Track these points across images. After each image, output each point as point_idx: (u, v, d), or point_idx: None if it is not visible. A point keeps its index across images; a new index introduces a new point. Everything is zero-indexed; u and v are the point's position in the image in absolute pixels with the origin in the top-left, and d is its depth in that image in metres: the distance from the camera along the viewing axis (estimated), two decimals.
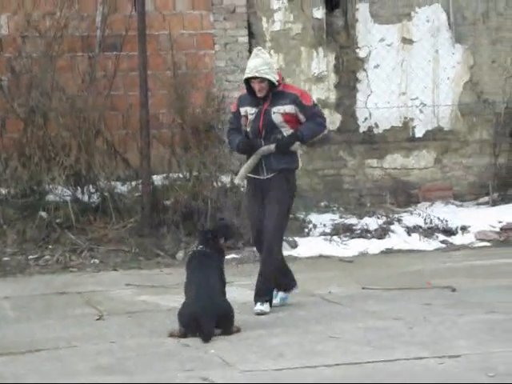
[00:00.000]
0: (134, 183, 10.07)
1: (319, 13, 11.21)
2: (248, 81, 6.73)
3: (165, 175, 10.11)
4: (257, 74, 6.64)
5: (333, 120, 11.27)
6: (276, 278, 6.82)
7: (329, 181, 11.33)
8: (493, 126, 11.49)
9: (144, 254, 9.33)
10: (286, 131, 6.75)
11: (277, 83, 6.70)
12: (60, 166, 9.75)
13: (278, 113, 6.70)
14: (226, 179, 10.18)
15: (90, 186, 9.94)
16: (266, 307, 6.68)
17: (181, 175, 10.11)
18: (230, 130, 7.03)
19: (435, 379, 4.91)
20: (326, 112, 11.27)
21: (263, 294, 6.72)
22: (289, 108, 6.71)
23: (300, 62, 11.22)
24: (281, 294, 6.94)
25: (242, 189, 10.23)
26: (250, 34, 11.06)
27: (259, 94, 6.71)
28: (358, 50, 11.33)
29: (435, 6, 11.43)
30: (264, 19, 11.13)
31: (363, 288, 7.57)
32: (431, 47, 11.47)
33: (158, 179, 10.04)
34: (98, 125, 10.07)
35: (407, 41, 11.42)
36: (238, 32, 10.97)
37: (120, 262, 9.13)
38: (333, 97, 11.30)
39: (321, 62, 11.21)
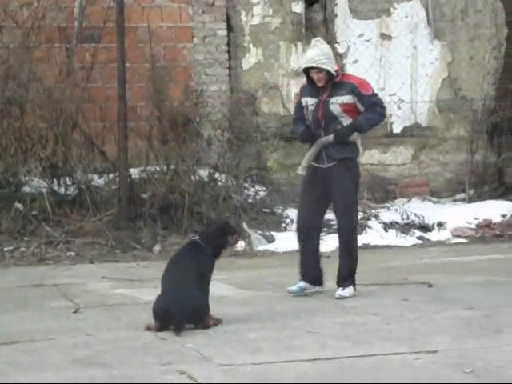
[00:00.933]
0: (111, 176, 10.02)
1: (298, 7, 11.20)
2: (307, 71, 6.84)
3: (142, 168, 10.06)
4: (314, 65, 6.76)
5: None
6: (314, 269, 7.03)
7: None
8: (470, 122, 11.54)
9: (120, 247, 9.29)
10: (346, 121, 6.86)
11: (335, 73, 6.79)
12: (36, 157, 9.68)
13: (336, 103, 6.81)
14: (203, 173, 10.15)
15: (67, 178, 9.87)
16: (346, 292, 6.92)
17: (158, 168, 10.07)
18: (294, 120, 7.18)
19: (412, 375, 4.92)
20: None
21: (343, 279, 6.96)
22: (347, 98, 6.81)
23: (279, 56, 11.20)
24: (302, 284, 7.06)
25: (220, 183, 10.23)
26: (229, 28, 11.03)
27: (318, 84, 6.81)
28: (336, 46, 11.32)
29: (414, 2, 11.46)
30: (243, 13, 11.10)
31: None
32: (410, 43, 11.49)
33: (135, 172, 10.00)
34: (76, 117, 10.01)
35: (386, 36, 11.44)
36: (217, 25, 10.94)
37: (96, 255, 9.08)
38: None
39: (300, 57, 11.19)
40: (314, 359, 5.24)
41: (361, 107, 6.85)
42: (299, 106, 7.04)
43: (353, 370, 5.04)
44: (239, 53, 11.11)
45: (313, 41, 6.98)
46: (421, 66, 11.52)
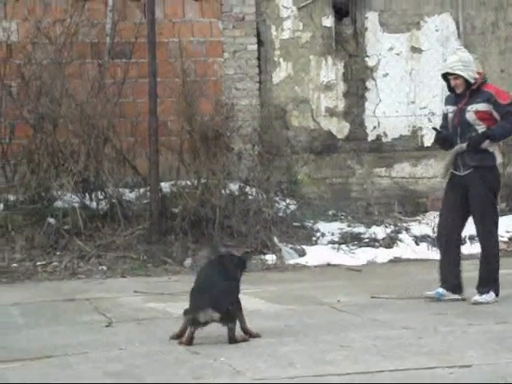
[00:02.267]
0: (142, 190, 10.07)
1: (328, 21, 11.22)
2: (447, 78, 7.08)
3: (173, 182, 10.11)
4: (449, 70, 7.02)
5: (341, 128, 11.28)
6: (453, 277, 7.20)
7: (337, 189, 11.32)
8: None
9: (152, 261, 9.33)
10: (481, 129, 7.01)
11: (473, 81, 6.95)
12: (69, 172, 9.76)
13: (471, 111, 6.98)
14: (234, 187, 10.17)
15: (99, 193, 9.94)
16: (483, 298, 7.04)
17: (189, 182, 10.10)
18: (440, 127, 7.34)
19: None
20: (334, 120, 11.33)
21: (482, 285, 7.11)
22: (481, 106, 6.96)
23: (309, 70, 11.23)
24: (440, 290, 7.20)
25: (250, 197, 10.25)
26: (259, 42, 11.07)
27: (457, 91, 7.03)
28: (366, 59, 11.33)
29: (445, 15, 11.44)
30: (273, 27, 11.15)
31: (372, 297, 7.55)
32: (440, 56, 11.46)
33: (166, 186, 10.04)
34: (107, 132, 10.08)
35: (416, 50, 11.43)
36: (247, 40, 10.99)
37: (128, 269, 9.13)
38: (341, 105, 11.31)
39: (330, 71, 11.21)
40: (347, 373, 5.22)
41: (497, 116, 6.98)
42: (443, 114, 7.30)
43: None
44: (269, 67, 11.15)
45: (454, 49, 7.34)
46: None
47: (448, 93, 7.35)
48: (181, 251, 9.50)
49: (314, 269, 9.20)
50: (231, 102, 10.59)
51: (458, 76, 7.00)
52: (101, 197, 9.94)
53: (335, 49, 11.21)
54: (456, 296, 7.18)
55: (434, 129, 7.33)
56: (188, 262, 9.35)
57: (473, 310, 6.98)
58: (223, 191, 10.02)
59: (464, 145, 7.04)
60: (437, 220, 10.60)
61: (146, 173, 9.99)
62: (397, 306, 7.23)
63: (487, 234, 7.18)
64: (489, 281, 7.12)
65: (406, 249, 9.98)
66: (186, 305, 7.43)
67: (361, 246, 9.96)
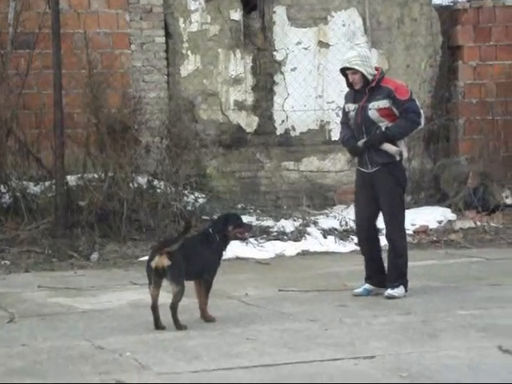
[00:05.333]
0: (47, 183, 9.90)
1: (236, 15, 11.22)
2: (346, 74, 6.99)
3: (79, 176, 9.96)
4: (347, 65, 6.93)
5: (249, 122, 11.30)
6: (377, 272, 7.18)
7: (245, 183, 11.34)
8: None
9: (57, 255, 9.17)
10: (385, 125, 6.95)
11: (371, 77, 6.89)
12: None
13: (373, 109, 6.93)
14: (142, 180, 10.09)
15: (1, 186, 9.73)
16: (395, 292, 7.01)
17: (96, 176, 9.97)
18: (341, 124, 7.31)
19: (350, 380, 4.93)
20: (242, 114, 11.34)
21: (393, 279, 7.07)
22: (383, 103, 6.91)
23: (217, 63, 11.20)
24: (367, 286, 7.19)
25: (159, 190, 10.19)
26: (167, 35, 10.99)
27: (355, 87, 6.94)
28: (275, 53, 11.37)
29: (351, 10, 11.55)
30: (181, 20, 11.08)
31: (280, 290, 7.58)
32: (347, 51, 11.56)
33: (72, 180, 9.89)
34: (10, 124, 9.88)
35: (324, 44, 11.52)
36: (155, 32, 10.89)
37: (32, 264, 8.95)
38: (250, 99, 11.32)
39: (238, 64, 11.21)
40: (254, 366, 5.23)
41: (396, 112, 6.94)
42: (343, 111, 7.23)
43: (291, 376, 5.03)
44: (177, 59, 11.08)
45: (352, 44, 7.22)
46: None
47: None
48: (87, 245, 9.37)
49: (222, 262, 9.15)
50: (139, 94, 10.50)
51: (356, 71, 6.95)
52: (4, 190, 9.73)
53: (243, 42, 11.22)
54: (382, 290, 7.18)
55: (344, 141, 7.27)
56: (94, 256, 9.22)
57: (378, 302, 7.07)
58: (131, 185, 9.92)
59: (363, 140, 7.01)
60: (344, 213, 10.78)
61: (52, 166, 9.82)
62: (304, 298, 7.28)
63: (396, 228, 7.18)
64: (399, 275, 7.16)
65: (313, 242, 10.06)
66: (92, 300, 7.36)
67: (269, 240, 10.00)
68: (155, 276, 6.10)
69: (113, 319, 6.57)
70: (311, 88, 11.50)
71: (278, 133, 11.46)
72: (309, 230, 10.27)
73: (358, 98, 7.02)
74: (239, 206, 11.00)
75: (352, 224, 10.38)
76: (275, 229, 10.22)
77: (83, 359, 5.42)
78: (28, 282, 8.13)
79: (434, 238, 10.35)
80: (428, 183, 11.70)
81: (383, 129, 6.99)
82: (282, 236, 10.09)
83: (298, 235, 10.11)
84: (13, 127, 9.90)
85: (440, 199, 11.42)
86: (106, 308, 6.98)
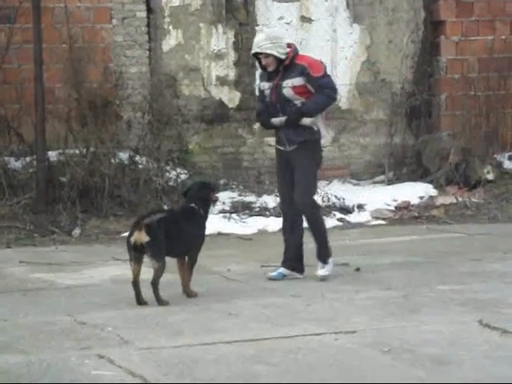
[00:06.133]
0: (28, 159, 9.84)
1: None
2: (258, 57, 6.86)
3: (61, 151, 9.91)
4: (258, 50, 6.79)
5: (232, 98, 11.25)
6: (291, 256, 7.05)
7: (228, 158, 11.31)
8: (389, 106, 11.67)
9: (39, 230, 9.14)
10: (301, 102, 6.84)
11: (283, 57, 6.76)
12: None
13: (288, 87, 6.80)
14: (123, 156, 10.05)
15: None
16: (326, 269, 6.94)
17: (77, 151, 9.93)
18: (258, 100, 7.20)
19: (331, 355, 4.96)
20: (225, 89, 11.29)
21: (321, 258, 6.97)
22: (297, 81, 6.80)
23: (199, 38, 11.12)
24: (281, 270, 7.05)
25: (141, 166, 10.15)
26: (149, 9, 10.90)
27: (268, 69, 6.83)
28: (257, 28, 11.29)
29: None
30: None
31: (262, 266, 7.59)
32: (329, 26, 11.54)
33: (53, 155, 9.84)
34: None
35: (306, 19, 11.47)
36: (136, 7, 10.80)
37: (13, 239, 8.92)
38: (232, 74, 11.27)
39: (220, 39, 11.15)
40: (235, 341, 5.25)
41: (311, 89, 6.84)
42: (259, 90, 7.12)
43: (273, 351, 5.06)
44: (159, 34, 11.00)
45: (260, 26, 7.05)
46: (340, 49, 11.58)
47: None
48: (69, 221, 9.35)
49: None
50: (120, 69, 10.44)
51: (267, 55, 6.76)
52: None
53: (226, 17, 11.14)
54: (297, 275, 7.05)
55: (257, 115, 7.16)
56: (76, 231, 9.20)
57: (360, 278, 7.11)
58: (112, 160, 9.88)
59: (283, 118, 6.86)
60: (326, 189, 10.80)
61: (33, 141, 9.77)
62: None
63: (310, 203, 7.01)
64: (323, 252, 7.04)
65: None
66: (74, 276, 7.35)
67: (252, 215, 10.00)
68: (135, 252, 6.09)
69: (95, 295, 6.57)
70: None
71: None
72: None
73: (272, 76, 6.88)
74: (221, 181, 10.98)
75: (334, 200, 10.41)
76: (257, 204, 10.22)
77: (65, 334, 5.42)
78: (9, 258, 8.11)
79: (416, 214, 10.38)
80: (410, 159, 11.72)
81: (299, 106, 6.87)
82: (264, 212, 10.10)
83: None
84: None
85: (422, 175, 11.44)
86: (87, 283, 6.98)
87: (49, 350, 5.11)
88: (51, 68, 10.09)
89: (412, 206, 10.58)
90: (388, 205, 10.58)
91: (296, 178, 6.94)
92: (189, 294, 6.40)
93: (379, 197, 10.67)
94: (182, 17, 11.04)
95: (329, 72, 11.37)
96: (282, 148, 7.03)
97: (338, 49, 11.57)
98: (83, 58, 10.11)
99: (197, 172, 10.85)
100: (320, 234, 7.08)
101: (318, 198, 10.34)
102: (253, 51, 6.91)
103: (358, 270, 7.37)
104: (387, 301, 6.24)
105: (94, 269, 7.58)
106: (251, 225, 9.77)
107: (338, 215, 10.21)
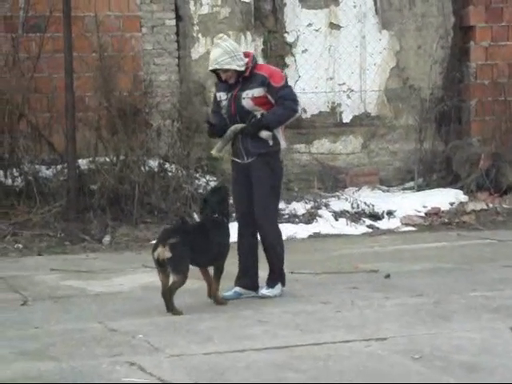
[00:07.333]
0: (59, 167, 9.92)
1: None
2: (215, 71, 6.55)
3: (91, 159, 9.98)
4: (217, 66, 6.46)
5: None
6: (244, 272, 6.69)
7: None
8: (418, 111, 11.63)
9: (70, 238, 9.20)
10: (262, 114, 6.52)
11: (243, 69, 6.47)
12: None
13: (248, 98, 6.47)
14: (153, 163, 10.10)
15: (14, 170, 9.75)
16: (270, 291, 6.61)
17: (107, 159, 9.99)
18: (211, 112, 6.86)
19: (362, 362, 4.94)
20: None
21: (270, 278, 6.64)
22: (257, 91, 6.47)
23: None
24: (237, 289, 6.70)
25: (170, 173, 10.19)
26: (178, 17, 10.97)
27: (229, 82, 6.53)
28: (285, 35, 11.33)
29: None
30: (192, 2, 11.05)
31: (291, 272, 7.55)
32: (358, 33, 11.54)
33: (83, 163, 9.91)
34: (22, 107, 9.89)
35: (335, 26, 11.47)
36: (165, 15, 10.87)
37: (45, 247, 8.98)
38: None
39: (249, 47, 11.17)
40: (265, 348, 5.24)
41: (271, 99, 6.50)
42: (215, 100, 6.72)
43: (303, 358, 5.04)
44: (188, 42, 11.06)
45: (215, 40, 6.63)
46: (369, 55, 11.58)
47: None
48: (99, 228, 9.40)
49: (233, 245, 9.16)
50: (149, 77, 10.50)
51: (227, 69, 6.45)
52: (16, 174, 9.76)
53: (254, 24, 11.18)
54: (253, 293, 6.70)
55: (208, 122, 6.75)
56: (106, 239, 9.25)
57: (390, 284, 7.07)
58: (142, 168, 9.93)
59: (239, 126, 6.48)
60: (356, 195, 10.78)
61: (63, 149, 9.84)
62: (315, 281, 7.29)
63: (268, 221, 6.59)
64: (275, 273, 6.66)
65: (325, 224, 10.06)
66: (105, 283, 7.39)
67: (281, 222, 9.92)
68: (158, 265, 6.17)
69: (125, 302, 6.60)
70: (322, 70, 11.47)
71: None
72: (320, 212, 10.27)
73: (230, 86, 6.53)
74: None
75: (363, 206, 10.39)
76: (287, 211, 10.22)
77: (96, 341, 5.45)
78: (41, 265, 8.16)
79: (446, 220, 10.33)
80: (440, 165, 11.67)
81: (259, 117, 6.54)
82: (293, 219, 10.09)
83: (310, 218, 10.12)
84: (24, 111, 9.91)
85: (452, 181, 11.39)
86: (118, 291, 7.01)
87: (80, 356, 5.13)
88: (82, 77, 10.17)
89: (442, 212, 10.53)
90: (418, 211, 10.54)
91: (256, 197, 6.57)
92: (218, 301, 6.41)
93: (409, 203, 10.63)
94: (211, 24, 11.09)
95: (358, 78, 11.53)
96: (239, 161, 6.61)
97: (366, 55, 11.56)
98: (113, 67, 10.18)
99: (226, 179, 10.86)
100: (277, 258, 6.67)
101: (346, 205, 10.39)
102: (211, 67, 6.50)
103: (387, 276, 7.34)
104: (418, 308, 6.20)
105: (124, 276, 7.61)
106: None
107: (368, 222, 10.19)
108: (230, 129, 6.56)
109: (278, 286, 6.69)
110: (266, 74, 6.51)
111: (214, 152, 6.74)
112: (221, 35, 6.65)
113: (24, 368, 4.90)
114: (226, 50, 6.45)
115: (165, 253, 6.08)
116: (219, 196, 6.58)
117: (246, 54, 6.59)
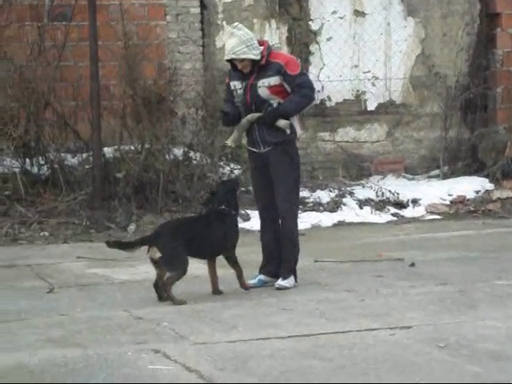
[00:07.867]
0: (84, 155, 9.97)
1: None
2: (230, 60, 6.51)
3: (116, 147, 10.01)
4: (234, 56, 6.41)
5: None
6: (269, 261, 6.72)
7: None
8: (444, 99, 11.57)
9: (95, 226, 9.25)
10: (278, 102, 6.48)
11: (259, 57, 6.41)
12: (8, 137, 9.61)
13: (264, 86, 6.42)
14: (178, 152, 10.12)
15: (40, 158, 9.82)
16: (286, 282, 6.58)
17: (132, 147, 10.02)
18: (224, 101, 6.79)
19: (386, 350, 4.94)
20: None
21: (285, 268, 6.61)
22: (274, 80, 6.42)
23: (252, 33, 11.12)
24: (262, 277, 6.73)
25: (195, 161, 10.21)
26: (202, 5, 10.96)
27: (244, 71, 6.48)
28: (310, 23, 11.30)
29: None
30: None
31: (316, 261, 7.59)
32: (383, 20, 11.48)
33: (109, 151, 9.95)
34: (48, 96, 9.93)
35: (359, 13, 11.42)
36: (190, 3, 10.87)
37: (70, 235, 9.04)
38: None
39: (273, 34, 11.16)
40: (289, 336, 5.25)
41: (288, 88, 6.46)
42: (228, 89, 6.65)
43: (327, 346, 5.05)
44: (213, 30, 11.05)
45: (229, 29, 6.58)
46: (394, 42, 11.52)
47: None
48: (124, 217, 9.44)
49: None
50: (174, 65, 10.51)
51: (244, 59, 6.39)
52: (42, 162, 9.82)
53: (279, 12, 11.15)
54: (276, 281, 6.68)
55: (222, 111, 6.71)
56: (131, 227, 9.29)
57: (415, 273, 7.06)
58: (167, 156, 9.96)
59: (256, 115, 6.45)
60: (380, 184, 10.75)
61: (89, 138, 9.88)
62: (340, 269, 7.28)
63: (289, 211, 6.61)
64: (291, 263, 6.64)
65: (349, 212, 10.05)
66: (130, 271, 7.42)
67: (305, 211, 9.99)
68: (153, 264, 6.24)
69: (150, 290, 6.60)
70: (347, 58, 11.43)
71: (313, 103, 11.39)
72: (345, 200, 10.26)
73: (245, 75, 6.47)
74: None
75: (388, 194, 10.36)
76: (311, 199, 10.21)
77: (121, 329, 5.48)
78: (66, 253, 8.22)
79: (472, 208, 10.29)
80: (465, 153, 11.61)
81: (275, 106, 6.48)
82: (317, 207, 10.09)
83: (334, 206, 10.11)
84: (50, 99, 9.96)
85: (478, 169, 11.33)
86: (143, 279, 7.03)
87: (106, 344, 5.17)
88: (107, 65, 10.21)
89: (468, 200, 10.49)
90: (443, 199, 10.50)
91: (280, 190, 6.55)
92: (243, 285, 6.45)
93: (434, 191, 10.59)
94: (236, 12, 11.07)
95: (382, 65, 11.47)
96: (255, 150, 6.60)
97: (392, 42, 11.50)
98: (138, 55, 10.20)
99: (248, 167, 10.86)
100: (295, 249, 6.68)
101: (371, 193, 10.36)
102: (227, 57, 6.46)
103: (412, 265, 7.32)
104: (443, 296, 6.18)
105: (149, 264, 7.62)
106: (305, 220, 9.76)
107: (393, 210, 10.16)
108: (247, 118, 6.54)
109: (292, 278, 6.67)
110: (281, 62, 6.46)
111: (229, 142, 6.77)
112: (236, 24, 6.60)
113: (50, 355, 4.94)
114: (242, 40, 6.39)
115: (156, 254, 6.13)
116: (227, 188, 6.59)
117: (261, 43, 6.55)
